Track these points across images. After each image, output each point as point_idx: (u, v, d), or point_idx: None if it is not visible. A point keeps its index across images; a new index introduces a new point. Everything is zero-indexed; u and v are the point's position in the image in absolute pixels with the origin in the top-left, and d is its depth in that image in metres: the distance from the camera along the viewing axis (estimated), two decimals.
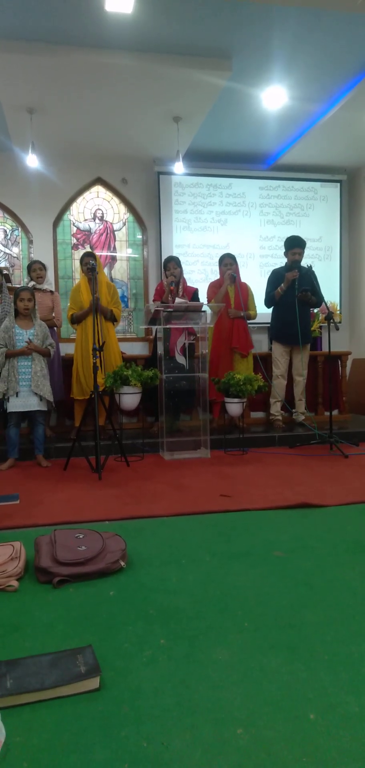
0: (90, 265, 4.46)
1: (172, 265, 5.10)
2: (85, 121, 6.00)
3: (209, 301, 5.22)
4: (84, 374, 4.77)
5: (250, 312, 5.26)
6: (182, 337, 5.00)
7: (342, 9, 4.25)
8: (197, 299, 5.17)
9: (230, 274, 5.19)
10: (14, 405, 4.10)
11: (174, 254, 7.28)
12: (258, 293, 5.51)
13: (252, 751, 1.10)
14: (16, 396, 4.09)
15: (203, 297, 5.41)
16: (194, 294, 5.18)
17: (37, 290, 5.00)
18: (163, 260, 5.47)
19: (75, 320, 4.85)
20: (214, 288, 5.31)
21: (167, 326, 4.68)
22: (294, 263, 5.17)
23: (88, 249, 7.20)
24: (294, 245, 5.23)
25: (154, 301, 5.24)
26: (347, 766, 1.06)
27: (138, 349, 6.86)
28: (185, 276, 6.66)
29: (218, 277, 5.45)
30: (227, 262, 5.28)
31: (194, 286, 5.48)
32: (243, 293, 5.25)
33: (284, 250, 5.35)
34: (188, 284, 5.46)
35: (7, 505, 3.02)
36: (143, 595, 1.84)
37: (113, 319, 4.92)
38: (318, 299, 5.15)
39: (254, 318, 5.32)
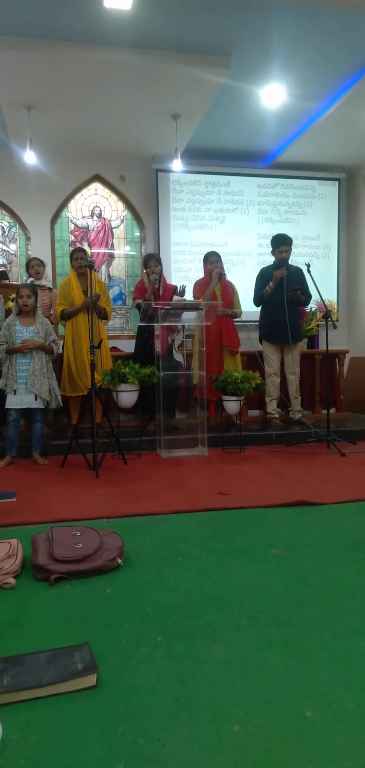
0: (88, 261, 4.45)
1: (152, 263, 5.08)
2: (83, 118, 5.98)
3: (195, 299, 5.19)
4: (77, 370, 4.74)
5: (236, 310, 5.25)
6: (179, 334, 5.01)
7: (341, 7, 4.25)
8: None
9: (218, 272, 5.16)
10: (11, 402, 4.09)
11: (172, 252, 7.30)
12: (238, 291, 5.48)
13: (249, 748, 1.10)
14: (14, 393, 4.08)
15: (189, 294, 5.38)
16: (174, 291, 5.18)
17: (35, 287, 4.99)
18: (143, 257, 5.44)
19: (65, 316, 4.81)
20: (200, 287, 5.26)
21: (166, 324, 4.67)
22: (281, 261, 5.16)
23: (86, 246, 7.20)
24: (280, 243, 5.21)
25: (134, 299, 5.22)
26: (343, 763, 1.06)
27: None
28: (182, 273, 6.65)
29: (203, 275, 5.41)
30: (213, 260, 5.25)
31: (191, 283, 5.47)
32: (229, 291, 5.23)
33: (271, 249, 5.33)
34: (189, 282, 5.45)
35: (5, 503, 3.02)
36: (140, 592, 1.84)
37: (105, 317, 4.91)
38: (307, 298, 5.15)
39: (239, 316, 5.30)
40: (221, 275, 5.18)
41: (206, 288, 5.18)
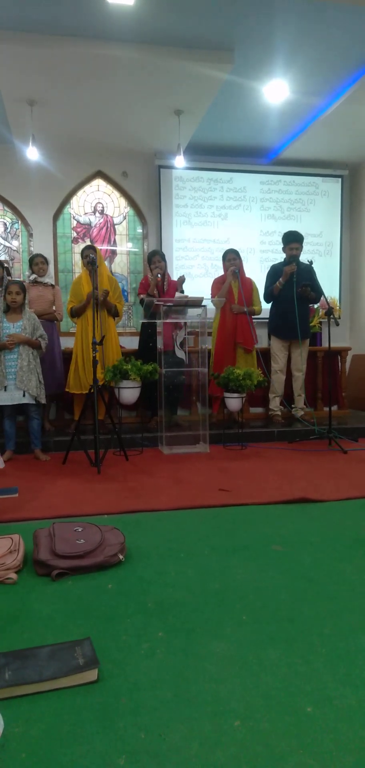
0: (90, 258, 4.45)
1: (157, 258, 5.11)
2: (86, 114, 5.97)
3: (213, 297, 5.22)
4: (84, 368, 4.76)
5: (254, 307, 5.25)
6: (182, 331, 5.01)
7: (344, 2, 4.23)
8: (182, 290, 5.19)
9: (233, 269, 5.18)
10: (2, 399, 4.10)
11: (174, 249, 7.28)
12: (258, 288, 5.50)
13: (249, 744, 1.10)
14: (5, 390, 4.08)
15: (191, 290, 5.39)
16: (177, 286, 5.18)
17: (38, 284, 5.00)
18: (147, 254, 5.46)
19: (74, 313, 4.84)
20: (218, 284, 5.30)
21: (168, 321, 4.67)
22: (291, 258, 5.17)
23: (88, 242, 7.19)
24: (292, 240, 5.22)
25: (139, 294, 5.24)
26: (344, 758, 1.06)
27: (137, 343, 6.84)
28: (185, 270, 6.65)
29: (222, 272, 5.44)
30: (231, 258, 5.28)
31: (193, 281, 5.48)
32: (247, 288, 5.24)
33: (282, 246, 5.35)
34: (190, 278, 5.46)
35: (7, 498, 3.03)
36: (142, 588, 1.84)
37: (116, 314, 4.91)
38: (318, 294, 5.15)
39: (259, 313, 5.31)
40: (237, 272, 5.20)
41: (223, 285, 5.20)
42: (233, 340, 5.17)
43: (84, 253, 4.89)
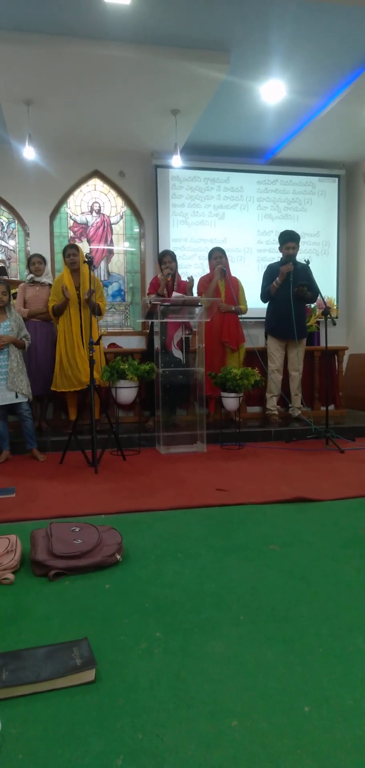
0: (87, 258, 4.44)
1: (167, 258, 5.10)
2: (82, 114, 5.97)
3: (199, 295, 5.21)
4: (69, 366, 4.73)
5: (240, 306, 5.25)
6: (179, 331, 5.00)
7: (340, 2, 4.23)
8: (192, 293, 5.18)
9: (221, 268, 5.17)
10: None
11: (171, 248, 7.28)
12: (255, 288, 5.50)
13: (247, 744, 1.10)
14: None
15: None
16: (186, 286, 5.18)
17: (35, 283, 5.00)
18: (158, 254, 5.46)
19: (55, 312, 4.81)
20: (204, 283, 5.29)
21: (165, 320, 4.67)
22: (288, 257, 5.17)
23: (85, 242, 7.19)
24: (288, 239, 5.22)
25: (149, 294, 5.24)
26: (341, 758, 1.06)
27: (135, 343, 6.85)
28: (182, 269, 6.65)
29: (208, 271, 5.43)
30: (217, 256, 5.27)
31: (196, 278, 5.46)
32: (234, 287, 5.24)
33: (279, 245, 5.35)
34: (183, 278, 5.46)
35: (4, 499, 3.02)
36: (139, 588, 1.84)
37: (99, 313, 4.91)
38: (314, 294, 5.16)
39: (244, 312, 5.31)
40: (225, 271, 5.19)
41: (210, 284, 5.19)
42: (220, 338, 5.17)
43: (67, 252, 4.88)
